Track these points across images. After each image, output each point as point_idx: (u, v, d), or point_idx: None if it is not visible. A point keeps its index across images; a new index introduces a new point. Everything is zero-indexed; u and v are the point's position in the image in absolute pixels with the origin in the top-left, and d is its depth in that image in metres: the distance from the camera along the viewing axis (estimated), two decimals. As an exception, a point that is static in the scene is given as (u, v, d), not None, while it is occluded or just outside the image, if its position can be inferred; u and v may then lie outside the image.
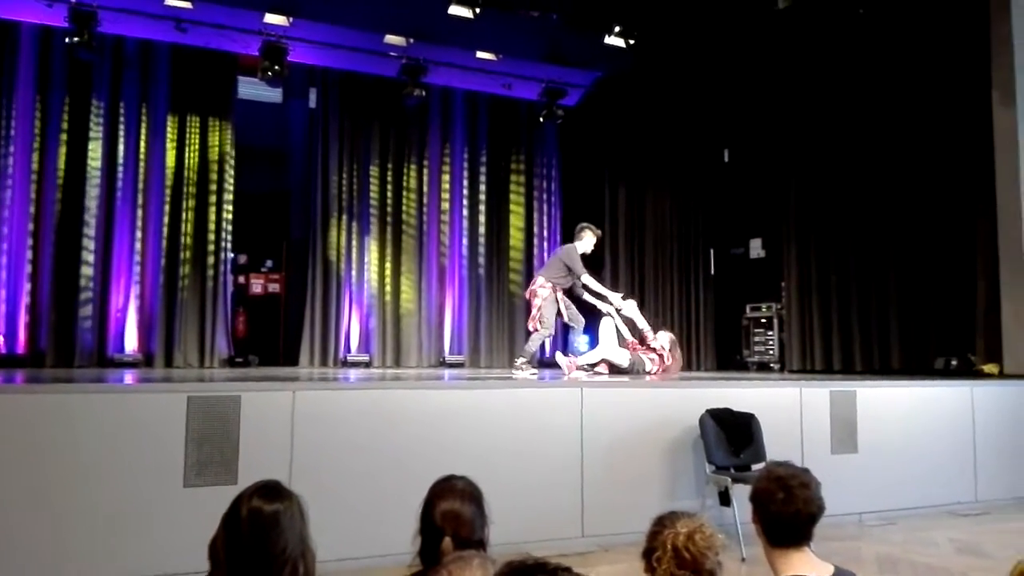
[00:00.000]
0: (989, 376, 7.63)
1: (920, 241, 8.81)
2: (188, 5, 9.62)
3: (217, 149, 11.02)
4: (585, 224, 8.01)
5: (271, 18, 9.92)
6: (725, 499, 5.45)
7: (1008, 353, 7.62)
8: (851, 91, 9.53)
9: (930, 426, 6.65)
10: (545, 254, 13.30)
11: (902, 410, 6.60)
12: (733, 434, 5.70)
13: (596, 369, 7.91)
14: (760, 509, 2.43)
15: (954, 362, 8.36)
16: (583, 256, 7.70)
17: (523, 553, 1.79)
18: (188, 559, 3.75)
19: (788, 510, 2.36)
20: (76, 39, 9.37)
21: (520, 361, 7.57)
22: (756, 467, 5.42)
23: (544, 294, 7.51)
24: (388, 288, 11.95)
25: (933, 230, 8.70)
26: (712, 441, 5.61)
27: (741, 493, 5.07)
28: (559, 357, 7.99)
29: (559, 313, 7.62)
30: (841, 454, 6.23)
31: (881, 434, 6.41)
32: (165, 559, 4.18)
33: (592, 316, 8.10)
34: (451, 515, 2.25)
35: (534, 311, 7.58)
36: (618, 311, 7.96)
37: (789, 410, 6.19)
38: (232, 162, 11.04)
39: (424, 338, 12.06)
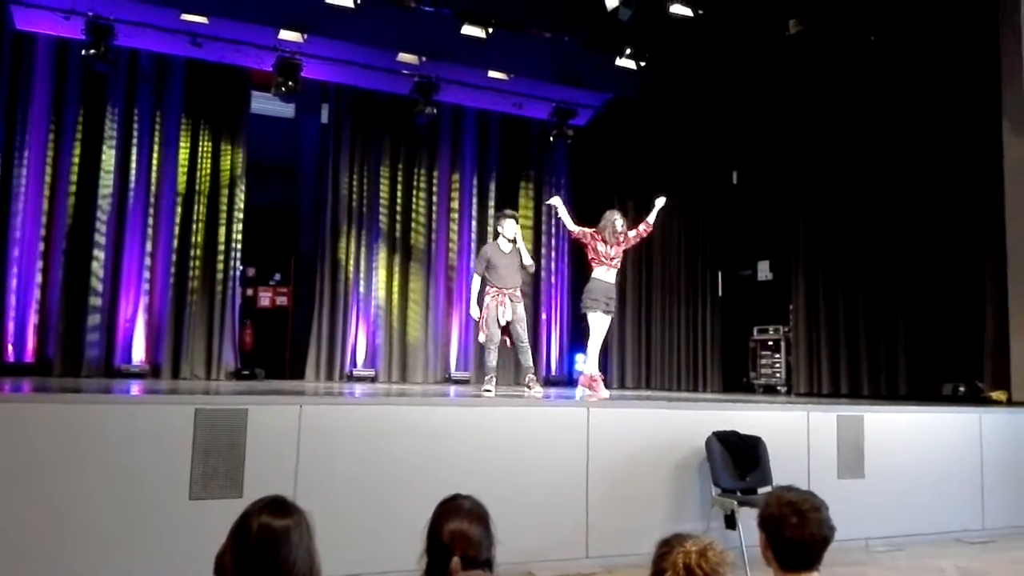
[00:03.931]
0: (997, 403, 7.57)
1: (929, 266, 8.79)
2: (204, 20, 9.73)
3: (229, 163, 11.11)
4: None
5: (286, 34, 10.02)
6: (731, 522, 5.42)
7: (1017, 380, 7.56)
8: (860, 116, 9.55)
9: (937, 452, 6.60)
10: (552, 272, 13.33)
11: (910, 436, 6.56)
12: (739, 457, 5.68)
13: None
14: (772, 534, 2.42)
15: (962, 388, 8.31)
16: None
17: (531, 574, 1.79)
18: (193, 571, 3.75)
19: (802, 534, 2.36)
20: (92, 51, 9.48)
21: (531, 379, 7.37)
22: (762, 490, 5.40)
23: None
24: (395, 303, 11.98)
25: (942, 255, 8.68)
26: (718, 464, 5.59)
27: (747, 516, 5.04)
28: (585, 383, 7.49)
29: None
30: (848, 479, 6.19)
31: (888, 459, 6.37)
32: (170, 571, 4.18)
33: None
34: (459, 535, 2.24)
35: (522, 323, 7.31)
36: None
37: (796, 434, 6.16)
38: (243, 176, 11.13)
39: (430, 354, 12.08)
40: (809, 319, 10.01)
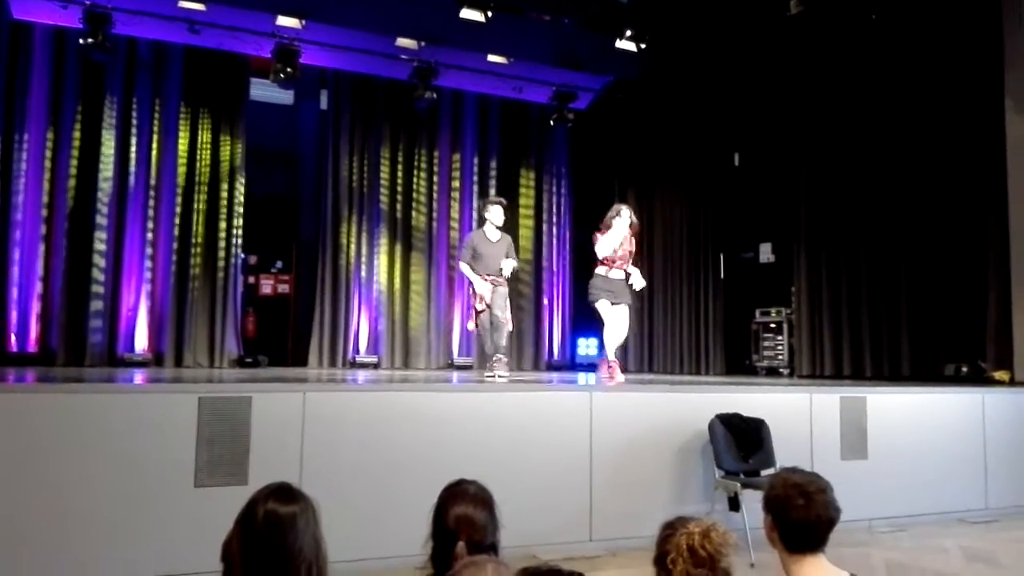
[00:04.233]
0: (1000, 383, 7.59)
1: (931, 247, 8.77)
2: (201, 7, 9.68)
3: (228, 150, 11.09)
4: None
5: (284, 20, 9.97)
6: (734, 504, 5.43)
7: (1019, 360, 7.57)
8: (862, 96, 9.50)
9: (940, 433, 6.61)
10: (554, 256, 13.32)
11: (912, 417, 6.57)
12: (743, 439, 5.69)
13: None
14: (778, 516, 2.42)
15: (965, 369, 8.32)
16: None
17: (534, 557, 1.79)
18: (199, 559, 3.77)
19: (808, 516, 2.36)
20: (90, 40, 9.44)
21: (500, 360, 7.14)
22: (765, 472, 5.41)
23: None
24: (397, 289, 11.98)
25: (945, 236, 8.66)
26: (721, 446, 5.60)
27: (750, 498, 5.06)
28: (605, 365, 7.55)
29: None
30: (851, 460, 6.19)
31: (891, 440, 6.38)
32: (176, 559, 4.19)
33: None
34: (464, 519, 2.26)
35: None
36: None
37: (799, 415, 6.17)
38: (243, 163, 11.10)
39: (433, 340, 12.09)
40: (811, 301, 10.00)
